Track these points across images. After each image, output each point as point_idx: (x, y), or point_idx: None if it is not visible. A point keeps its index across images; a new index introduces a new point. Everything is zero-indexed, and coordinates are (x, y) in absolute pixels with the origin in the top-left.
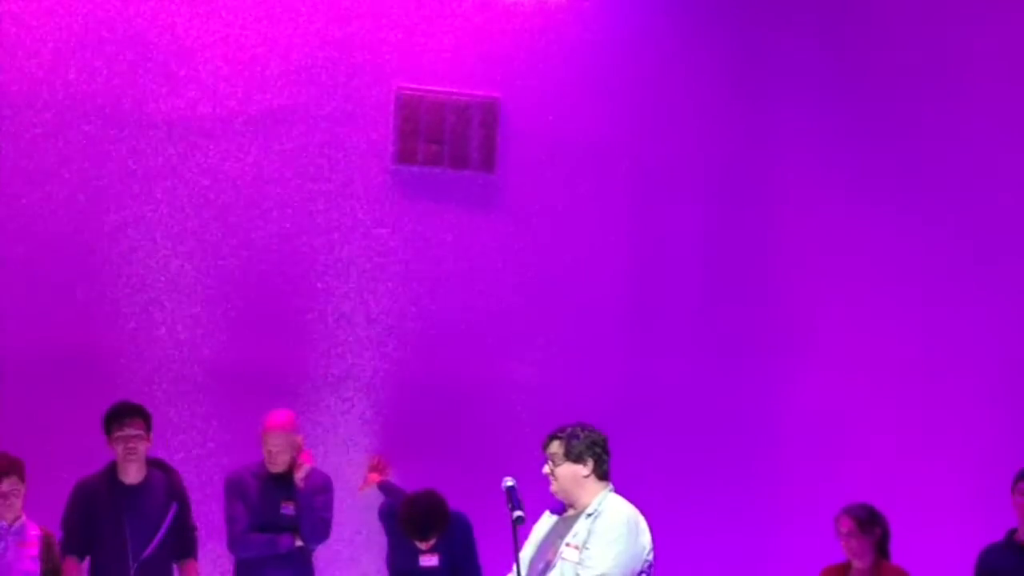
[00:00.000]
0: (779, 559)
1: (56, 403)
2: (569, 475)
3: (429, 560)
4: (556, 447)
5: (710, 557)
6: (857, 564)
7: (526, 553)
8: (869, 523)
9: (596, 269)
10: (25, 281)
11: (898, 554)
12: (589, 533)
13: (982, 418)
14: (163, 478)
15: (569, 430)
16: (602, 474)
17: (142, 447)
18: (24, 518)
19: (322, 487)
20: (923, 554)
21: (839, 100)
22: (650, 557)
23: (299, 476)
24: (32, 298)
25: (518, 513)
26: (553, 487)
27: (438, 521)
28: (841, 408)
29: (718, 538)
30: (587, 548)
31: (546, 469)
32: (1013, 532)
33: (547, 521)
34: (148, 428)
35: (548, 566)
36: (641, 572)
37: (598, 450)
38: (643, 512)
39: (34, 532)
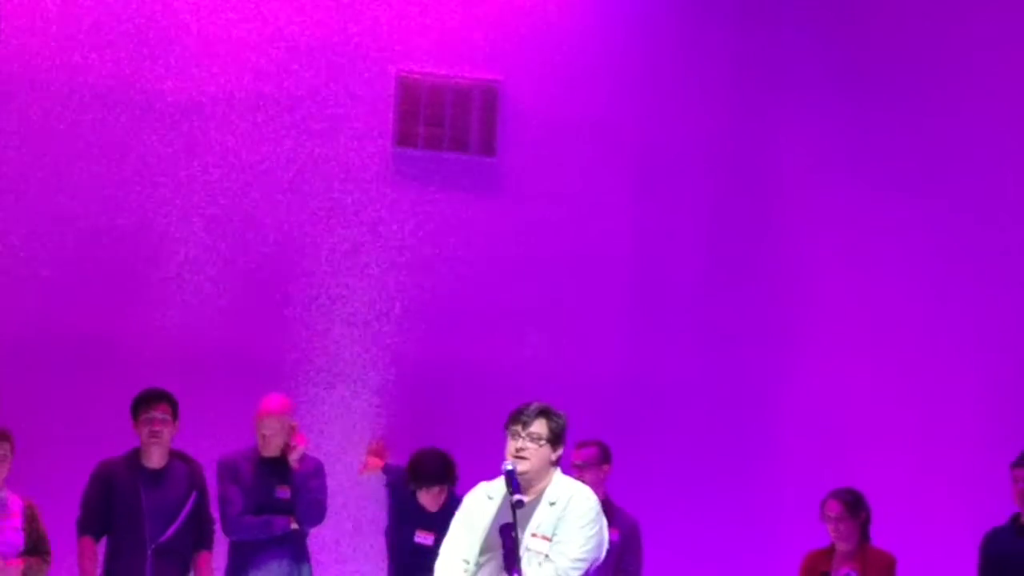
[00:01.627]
0: (778, 545)
1: (68, 389)
2: (545, 458)
3: (425, 538)
4: (542, 427)
5: (708, 542)
6: (843, 547)
7: (465, 537)
8: (856, 506)
9: (597, 252)
10: (35, 268)
11: (894, 540)
12: (559, 520)
13: (981, 407)
14: (185, 468)
15: (548, 409)
16: (559, 460)
17: (167, 431)
18: (7, 491)
19: (314, 471)
20: (920, 541)
21: (843, 85)
22: (608, 545)
23: (294, 458)
24: (41, 285)
25: (518, 497)
26: (524, 467)
27: (448, 469)
28: (840, 396)
29: (716, 523)
30: (557, 536)
31: (520, 445)
32: (1018, 516)
33: (489, 504)
34: (174, 414)
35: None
36: (601, 559)
37: (564, 435)
38: (641, 497)
39: (17, 503)
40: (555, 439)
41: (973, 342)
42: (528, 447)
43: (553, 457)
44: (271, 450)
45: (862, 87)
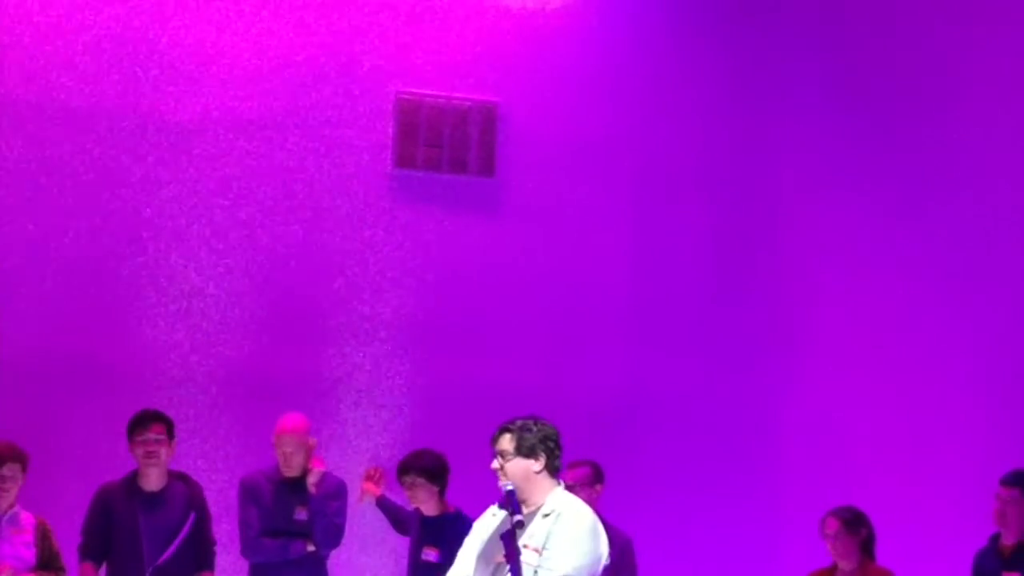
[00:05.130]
0: (779, 558)
1: (74, 409)
2: (520, 471)
3: (429, 555)
4: (507, 442)
5: (708, 560)
6: (843, 566)
7: (472, 549)
8: (854, 524)
9: (596, 272)
10: (39, 290)
11: (895, 556)
12: (549, 534)
13: (985, 423)
14: (184, 489)
15: (520, 423)
16: (554, 470)
17: (163, 452)
18: (18, 507)
19: (336, 492)
20: (920, 556)
21: (840, 100)
22: (607, 562)
23: (311, 481)
24: (49, 305)
25: (518, 517)
26: (501, 482)
27: (420, 459)
28: (842, 415)
29: (716, 542)
30: (547, 549)
31: (495, 465)
32: (997, 537)
33: (494, 518)
34: (170, 435)
35: (499, 567)
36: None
37: (551, 444)
38: (642, 510)
39: (28, 520)
40: (526, 451)
41: (975, 357)
42: (499, 463)
43: (535, 468)
44: (292, 470)
45: (861, 104)
